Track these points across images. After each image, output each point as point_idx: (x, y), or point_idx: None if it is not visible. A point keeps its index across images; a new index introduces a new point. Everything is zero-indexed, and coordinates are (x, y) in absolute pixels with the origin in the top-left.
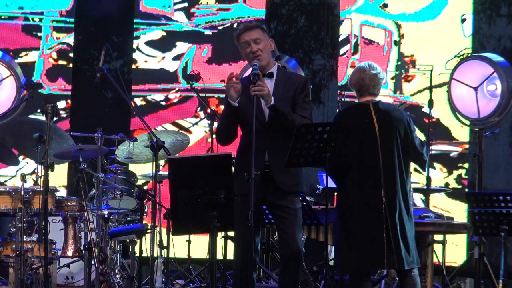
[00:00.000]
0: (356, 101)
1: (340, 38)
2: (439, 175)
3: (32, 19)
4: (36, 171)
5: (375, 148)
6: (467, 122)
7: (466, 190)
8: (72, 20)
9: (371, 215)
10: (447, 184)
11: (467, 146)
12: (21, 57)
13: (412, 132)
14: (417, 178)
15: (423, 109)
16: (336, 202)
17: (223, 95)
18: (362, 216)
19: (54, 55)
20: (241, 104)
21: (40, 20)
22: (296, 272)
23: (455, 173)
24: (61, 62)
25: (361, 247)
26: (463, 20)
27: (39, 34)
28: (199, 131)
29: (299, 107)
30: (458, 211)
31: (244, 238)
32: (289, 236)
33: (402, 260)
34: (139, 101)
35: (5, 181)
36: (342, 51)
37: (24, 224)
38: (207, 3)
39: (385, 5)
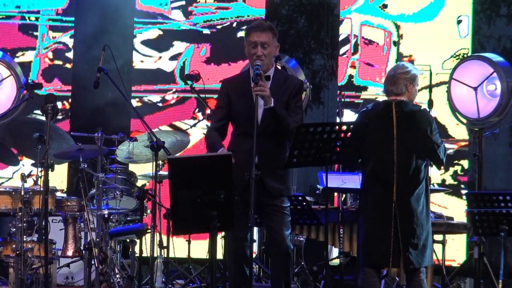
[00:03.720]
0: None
1: (340, 38)
2: (436, 172)
3: (29, 18)
4: (33, 173)
5: (390, 148)
6: (466, 122)
7: (462, 186)
8: (68, 19)
9: (380, 214)
10: (443, 181)
11: (463, 143)
12: (18, 57)
13: (433, 133)
14: None
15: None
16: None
17: None
18: (373, 213)
19: (50, 54)
20: (234, 105)
21: (36, 19)
22: (287, 269)
23: (451, 169)
24: (57, 62)
25: (370, 244)
26: (459, 22)
27: (35, 33)
28: (197, 133)
29: (291, 112)
30: (454, 207)
31: (235, 235)
32: (277, 233)
33: (408, 260)
34: (135, 102)
35: (2, 183)
36: (342, 50)
37: (24, 224)
38: (206, 1)
39: (385, 6)
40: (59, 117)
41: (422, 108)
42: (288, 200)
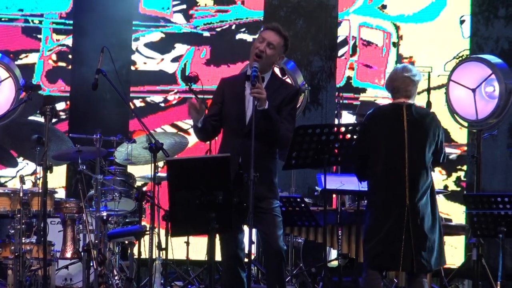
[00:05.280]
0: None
1: (339, 40)
2: (438, 178)
3: (32, 21)
4: (36, 172)
5: (401, 151)
6: (465, 124)
7: (465, 192)
8: (72, 22)
9: (392, 217)
10: (446, 187)
11: (466, 148)
12: (21, 59)
13: (439, 138)
14: None
15: None
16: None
17: None
18: (384, 217)
19: (54, 56)
20: (226, 104)
21: (40, 22)
22: (280, 270)
23: (454, 175)
24: (60, 63)
25: (379, 247)
26: (462, 22)
27: (39, 36)
28: None
29: (283, 119)
30: (457, 214)
31: (227, 235)
32: (269, 236)
33: (420, 263)
34: (138, 103)
35: (5, 182)
36: (340, 52)
37: (23, 226)
38: (206, 5)
39: (384, 6)
40: (63, 116)
41: (431, 111)
42: (277, 201)
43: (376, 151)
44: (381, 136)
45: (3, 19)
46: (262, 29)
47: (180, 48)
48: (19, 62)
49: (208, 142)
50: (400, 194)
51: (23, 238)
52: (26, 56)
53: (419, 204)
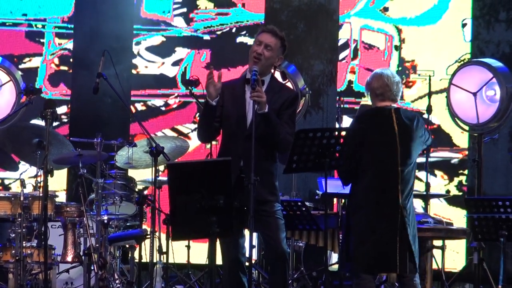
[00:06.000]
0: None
1: (340, 43)
2: (440, 182)
3: (35, 25)
4: (37, 175)
5: (393, 154)
6: (466, 128)
7: (466, 196)
8: (73, 26)
9: (386, 218)
10: (448, 191)
11: (467, 152)
12: (25, 62)
13: (425, 137)
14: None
15: (423, 116)
16: (347, 203)
17: None
18: (377, 217)
19: (56, 60)
20: (226, 107)
21: (43, 26)
22: (284, 273)
23: (456, 180)
24: (62, 67)
25: (374, 250)
26: (463, 25)
27: (42, 40)
28: None
29: (283, 122)
30: (459, 218)
31: (228, 240)
32: (272, 238)
33: (413, 265)
34: (139, 106)
35: (9, 184)
36: (341, 56)
37: (24, 230)
38: (206, 8)
39: (386, 9)
40: (65, 120)
41: (417, 113)
42: (279, 204)
43: (369, 152)
44: (373, 138)
45: (7, 24)
46: (257, 32)
47: (181, 52)
48: (22, 66)
49: (208, 145)
50: (393, 196)
51: (24, 242)
52: (30, 60)
53: (408, 206)
